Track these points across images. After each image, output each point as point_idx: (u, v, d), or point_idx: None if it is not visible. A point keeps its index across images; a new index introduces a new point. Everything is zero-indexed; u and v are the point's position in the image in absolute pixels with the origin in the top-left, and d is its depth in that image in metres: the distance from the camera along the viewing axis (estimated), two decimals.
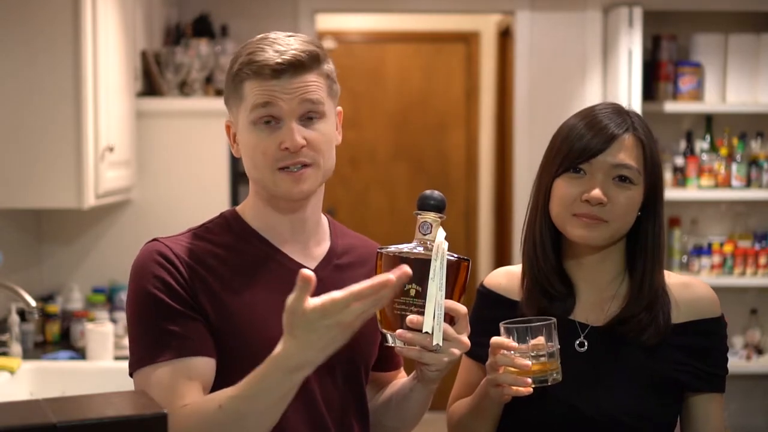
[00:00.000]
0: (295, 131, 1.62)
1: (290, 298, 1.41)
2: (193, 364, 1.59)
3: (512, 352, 1.65)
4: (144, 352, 1.60)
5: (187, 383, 1.57)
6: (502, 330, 1.69)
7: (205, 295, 1.62)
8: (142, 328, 1.62)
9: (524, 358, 1.65)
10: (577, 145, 1.76)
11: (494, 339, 1.68)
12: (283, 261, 1.69)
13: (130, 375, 1.64)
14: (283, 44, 1.63)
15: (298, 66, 1.62)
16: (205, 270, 1.64)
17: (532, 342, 1.65)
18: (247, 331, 1.62)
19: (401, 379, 1.85)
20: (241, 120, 1.66)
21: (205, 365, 1.60)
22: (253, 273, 1.67)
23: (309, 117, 1.64)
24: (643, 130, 1.80)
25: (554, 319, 1.68)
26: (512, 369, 1.65)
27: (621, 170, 1.75)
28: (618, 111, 1.80)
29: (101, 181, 3.40)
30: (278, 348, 1.45)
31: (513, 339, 1.67)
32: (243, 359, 1.60)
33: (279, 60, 1.61)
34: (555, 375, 1.67)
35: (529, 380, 1.64)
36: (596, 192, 1.73)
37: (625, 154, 1.76)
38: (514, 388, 1.66)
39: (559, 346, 1.68)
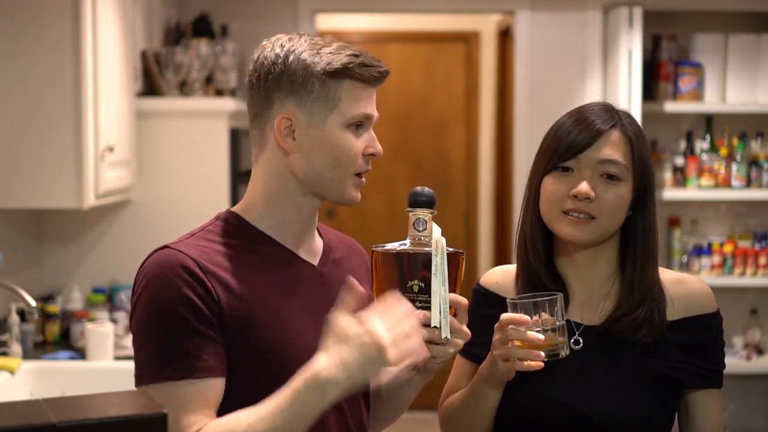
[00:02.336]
0: (376, 139, 1.68)
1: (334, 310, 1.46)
2: (211, 386, 1.57)
3: (522, 326, 1.66)
4: (160, 367, 1.57)
5: (203, 405, 1.56)
6: (509, 305, 1.69)
7: (227, 300, 1.60)
8: (159, 343, 1.58)
9: (534, 332, 1.65)
10: (564, 142, 1.78)
11: (504, 315, 1.69)
12: (292, 259, 1.70)
13: (138, 386, 1.60)
14: (373, 55, 1.67)
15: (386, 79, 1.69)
16: (224, 272, 1.62)
17: (543, 317, 1.66)
18: (266, 327, 1.62)
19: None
20: (330, 120, 1.63)
21: (220, 387, 1.59)
22: (267, 271, 1.67)
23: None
24: (631, 127, 1.80)
25: (560, 294, 1.69)
26: (518, 343, 1.66)
27: (607, 166, 1.76)
28: (606, 108, 1.82)
29: (101, 181, 3.40)
30: (311, 364, 1.47)
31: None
32: (264, 358, 1.61)
33: (387, 69, 1.66)
34: (566, 348, 1.68)
35: (542, 354, 1.65)
36: (583, 186, 1.74)
37: (611, 149, 1.77)
38: (526, 362, 1.66)
39: (564, 322, 1.68)
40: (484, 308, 1.87)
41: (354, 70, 1.62)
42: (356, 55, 1.63)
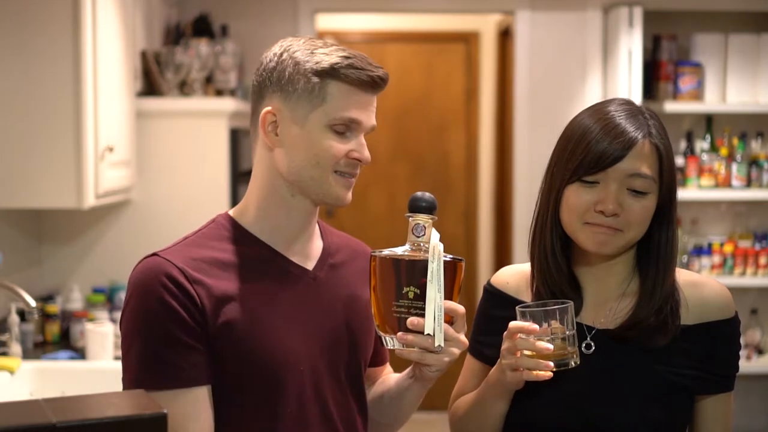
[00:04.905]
0: (365, 146, 1.67)
1: None
2: (198, 395, 1.58)
3: (531, 336, 1.62)
4: (146, 375, 1.58)
5: (192, 415, 1.56)
6: (518, 314, 1.66)
7: (212, 306, 1.60)
8: (142, 352, 1.59)
9: (544, 342, 1.62)
10: (593, 152, 1.70)
11: (513, 323, 1.65)
12: (284, 264, 1.69)
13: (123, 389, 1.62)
14: (372, 60, 1.66)
15: (384, 86, 1.67)
16: (210, 279, 1.62)
17: (553, 325, 1.63)
18: (250, 332, 1.62)
19: (390, 375, 1.87)
20: (312, 118, 1.63)
21: (207, 395, 1.60)
22: (255, 276, 1.66)
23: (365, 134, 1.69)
24: (658, 133, 1.73)
25: (571, 302, 1.65)
26: (528, 352, 1.63)
27: (635, 180, 1.69)
28: (633, 113, 1.73)
29: (101, 181, 3.40)
30: None
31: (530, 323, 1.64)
32: (248, 362, 1.61)
33: (381, 75, 1.64)
34: (575, 358, 1.64)
35: (551, 364, 1.62)
36: (610, 205, 1.69)
37: (640, 162, 1.69)
38: (534, 372, 1.63)
39: (575, 331, 1.65)
40: (495, 309, 1.84)
41: (341, 71, 1.61)
42: (347, 57, 1.63)
